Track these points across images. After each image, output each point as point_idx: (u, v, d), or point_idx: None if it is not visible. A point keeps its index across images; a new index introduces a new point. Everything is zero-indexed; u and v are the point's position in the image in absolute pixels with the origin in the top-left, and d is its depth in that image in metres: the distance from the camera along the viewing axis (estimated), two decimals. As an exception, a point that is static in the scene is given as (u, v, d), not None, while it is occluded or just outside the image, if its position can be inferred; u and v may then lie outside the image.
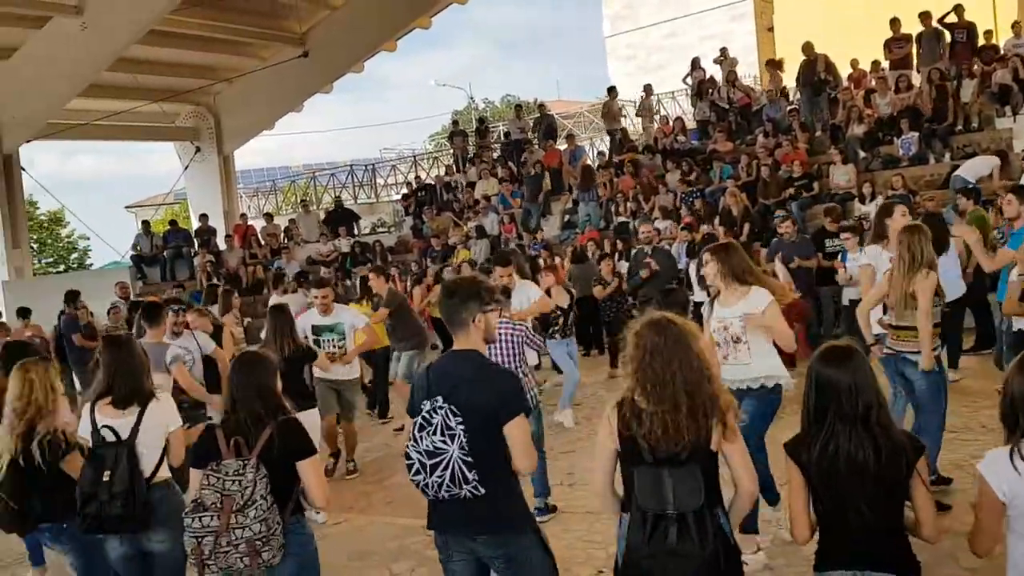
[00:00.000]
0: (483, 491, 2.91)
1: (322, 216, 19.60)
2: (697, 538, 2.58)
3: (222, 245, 17.59)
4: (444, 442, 2.92)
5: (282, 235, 18.51)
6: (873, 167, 13.44)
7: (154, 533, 3.69)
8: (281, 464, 3.21)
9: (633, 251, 11.37)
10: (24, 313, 12.23)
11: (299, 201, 22.32)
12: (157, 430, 3.78)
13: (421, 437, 2.96)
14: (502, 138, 21.21)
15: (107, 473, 3.58)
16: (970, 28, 14.54)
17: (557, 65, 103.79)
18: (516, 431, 2.98)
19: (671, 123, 17.69)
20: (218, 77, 19.29)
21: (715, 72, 17.72)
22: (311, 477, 3.27)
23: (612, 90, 18.58)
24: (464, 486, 2.91)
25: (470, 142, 20.72)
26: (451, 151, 21.76)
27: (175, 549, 3.60)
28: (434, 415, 2.96)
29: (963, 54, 14.46)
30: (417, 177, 21.86)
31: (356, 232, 18.56)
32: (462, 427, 2.91)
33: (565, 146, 18.19)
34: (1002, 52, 14.35)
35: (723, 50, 17.61)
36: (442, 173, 21.15)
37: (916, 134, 13.39)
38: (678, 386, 2.64)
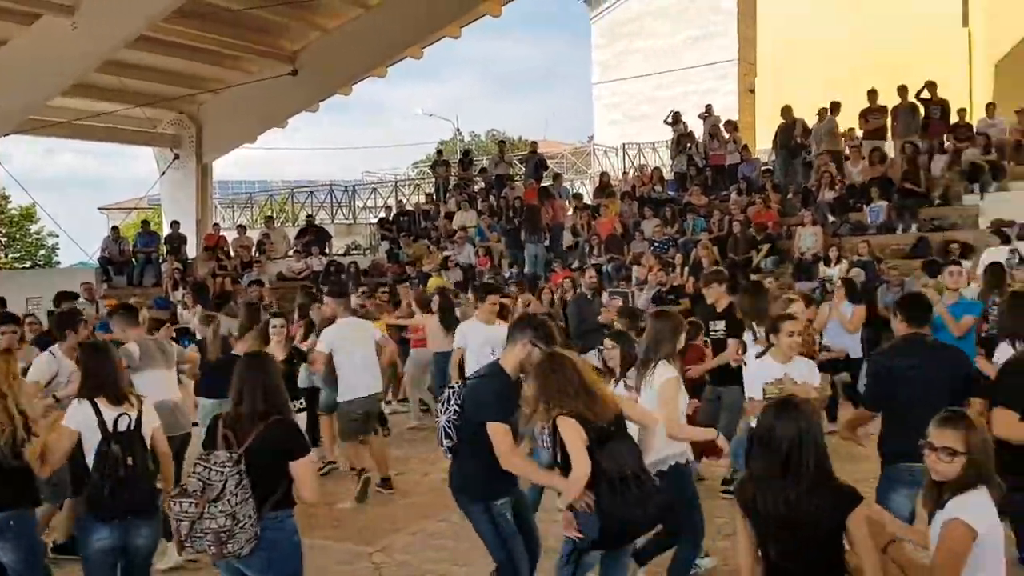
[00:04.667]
0: (449, 456, 4.05)
1: (291, 232, 19.58)
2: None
3: (191, 253, 17.46)
4: (440, 410, 4.15)
5: (254, 248, 18.44)
6: (841, 232, 13.76)
7: (145, 526, 3.85)
8: (268, 461, 3.43)
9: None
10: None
11: (264, 216, 22.20)
12: (148, 427, 4.00)
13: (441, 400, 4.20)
14: (487, 171, 21.43)
15: (130, 458, 3.80)
16: (944, 105, 15.03)
17: (544, 106, 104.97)
18: (490, 433, 3.74)
19: (650, 172, 18.01)
20: (204, 87, 19.28)
21: (696, 127, 18.10)
22: (302, 476, 3.52)
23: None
24: (440, 445, 4.10)
25: (453, 173, 20.88)
26: (433, 180, 21.90)
27: (151, 545, 3.90)
28: (446, 390, 4.14)
29: (936, 129, 14.94)
30: (398, 202, 21.92)
31: (329, 251, 18.53)
32: (456, 407, 3.98)
33: (550, 183, 18.45)
34: (975, 131, 14.84)
35: (708, 107, 17.99)
36: (422, 200, 21.27)
37: (885, 203, 13.75)
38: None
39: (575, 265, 15.09)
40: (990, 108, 15.66)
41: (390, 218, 19.93)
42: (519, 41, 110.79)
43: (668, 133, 18.65)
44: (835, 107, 15.66)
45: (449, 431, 4.01)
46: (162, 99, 18.59)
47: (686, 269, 13.29)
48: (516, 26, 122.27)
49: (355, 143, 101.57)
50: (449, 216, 18.24)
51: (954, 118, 15.24)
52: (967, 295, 7.63)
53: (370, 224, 22.60)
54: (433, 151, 31.05)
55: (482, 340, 6.64)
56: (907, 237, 13.22)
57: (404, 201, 22.13)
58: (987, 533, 2.71)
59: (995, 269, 8.51)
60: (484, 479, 3.89)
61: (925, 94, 15.03)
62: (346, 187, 25.14)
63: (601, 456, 3.44)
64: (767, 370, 4.76)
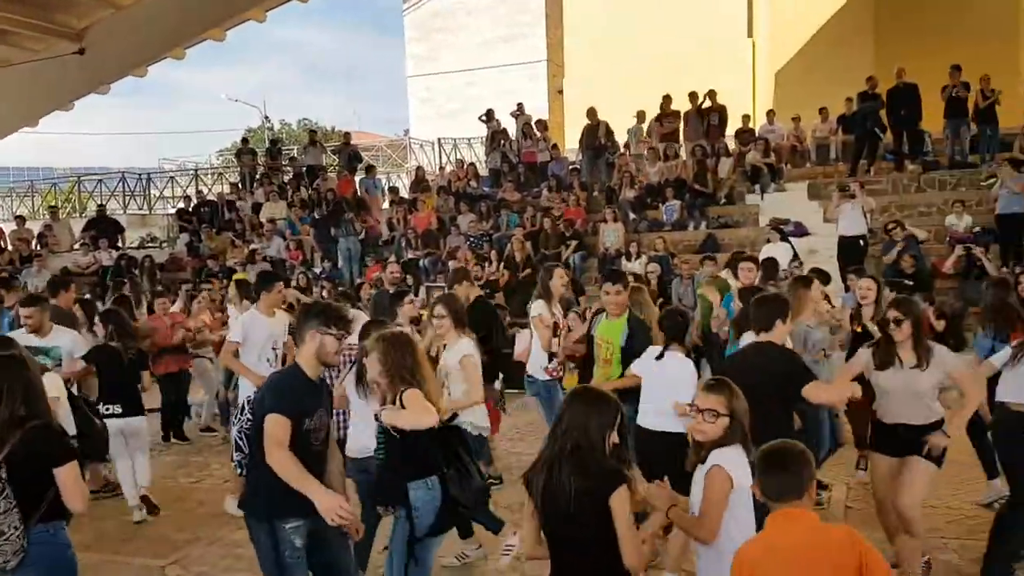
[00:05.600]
0: (239, 472, 3.69)
1: (78, 224, 18.03)
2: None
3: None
4: (232, 421, 3.82)
5: (35, 241, 16.81)
6: (640, 229, 14.58)
7: None
8: (30, 469, 3.15)
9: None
10: None
11: (48, 206, 20.33)
12: None
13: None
14: (295, 160, 20.74)
15: None
16: (722, 111, 16.27)
17: (358, 97, 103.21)
18: (267, 423, 3.37)
19: (466, 168, 18.22)
20: (-24, 64, 17.28)
21: (510, 124, 18.49)
22: (66, 484, 3.22)
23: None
24: (232, 460, 3.80)
25: (260, 162, 20.05)
26: (238, 168, 20.92)
27: None
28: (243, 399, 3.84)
29: (716, 134, 16.18)
30: (198, 192, 20.72)
31: (121, 244, 17.25)
32: (249, 415, 3.61)
33: (362, 176, 18.16)
34: (757, 135, 16.21)
35: (520, 105, 18.42)
36: (226, 190, 20.26)
37: (679, 202, 14.73)
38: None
39: (391, 259, 14.97)
40: (770, 115, 17.19)
41: (190, 209, 18.82)
42: (332, 30, 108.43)
43: (483, 129, 18.93)
44: (641, 115, 16.93)
45: (240, 442, 3.67)
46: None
47: (501, 263, 13.60)
48: (328, 14, 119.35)
49: (152, 128, 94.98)
50: (256, 207, 17.52)
51: (739, 124, 16.56)
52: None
53: (168, 215, 21.26)
54: (239, 139, 29.63)
55: (266, 335, 6.08)
56: (697, 234, 14.24)
57: (206, 191, 20.98)
58: (741, 486, 3.06)
59: (769, 263, 9.38)
60: (271, 495, 3.38)
61: (707, 102, 16.23)
62: (140, 175, 23.44)
63: (440, 441, 3.48)
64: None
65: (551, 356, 5.91)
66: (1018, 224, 11.49)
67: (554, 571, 2.96)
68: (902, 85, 13.95)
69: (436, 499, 3.47)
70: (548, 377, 6.00)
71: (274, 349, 6.08)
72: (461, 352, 4.89)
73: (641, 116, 17.08)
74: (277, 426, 3.35)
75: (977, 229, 12.08)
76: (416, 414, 3.42)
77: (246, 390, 6.09)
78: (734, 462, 3.09)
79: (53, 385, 4.47)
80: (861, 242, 11.83)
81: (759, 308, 4.46)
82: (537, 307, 6.07)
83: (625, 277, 5.61)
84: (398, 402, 3.49)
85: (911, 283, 10.10)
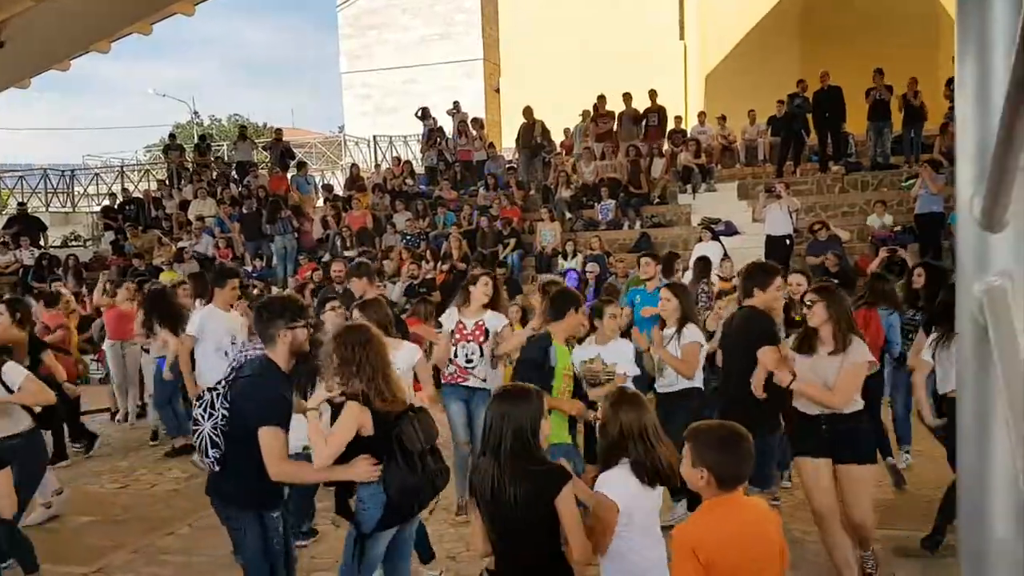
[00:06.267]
0: (218, 468, 3.56)
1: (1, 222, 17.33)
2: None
3: None
4: (202, 416, 3.56)
5: (-52, 240, 16.10)
6: (576, 228, 14.72)
7: None
8: None
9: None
10: None
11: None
12: None
13: (196, 405, 3.66)
14: (225, 157, 20.30)
15: None
16: (660, 112, 16.55)
17: (292, 94, 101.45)
18: (263, 437, 3.38)
19: (401, 166, 18.09)
20: None
21: (446, 122, 18.44)
22: None
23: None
24: (205, 458, 3.60)
25: (188, 158, 19.55)
26: (165, 165, 20.38)
27: None
28: (207, 393, 3.61)
29: (655, 135, 16.43)
30: (124, 189, 20.11)
31: (43, 243, 16.63)
32: (224, 411, 3.52)
33: (294, 172, 17.86)
34: (688, 136, 16.51)
35: (456, 103, 18.38)
36: (153, 188, 19.71)
37: (613, 202, 14.91)
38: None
39: (325, 258, 14.78)
40: (701, 116, 17.53)
41: (115, 206, 18.26)
42: (264, 25, 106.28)
43: (419, 127, 18.82)
44: (586, 115, 17.00)
45: (216, 439, 3.59)
46: None
47: (438, 262, 13.54)
48: (259, 9, 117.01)
49: (76, 124, 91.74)
50: (184, 205, 17.09)
51: (672, 125, 16.84)
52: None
53: (92, 213, 20.58)
54: (167, 135, 28.84)
55: (223, 329, 6.19)
56: (632, 233, 14.43)
57: (132, 188, 20.39)
58: (627, 509, 3.04)
59: (702, 262, 9.63)
60: (258, 488, 3.53)
61: (647, 102, 16.48)
62: (63, 172, 22.63)
63: (396, 433, 3.45)
64: (585, 350, 5.17)
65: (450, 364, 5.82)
66: (936, 224, 11.96)
67: (500, 568, 2.95)
68: (827, 88, 14.40)
69: (381, 493, 3.46)
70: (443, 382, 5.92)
71: (232, 343, 6.07)
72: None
73: (587, 115, 17.20)
74: (275, 440, 3.42)
75: (897, 228, 12.53)
76: (323, 443, 3.43)
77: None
78: (616, 484, 3.03)
79: None
80: (787, 241, 12.16)
81: (743, 279, 5.01)
82: (449, 315, 5.96)
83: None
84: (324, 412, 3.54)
85: (836, 281, 10.46)
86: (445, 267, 13.45)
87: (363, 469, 3.43)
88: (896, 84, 14.28)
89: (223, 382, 3.62)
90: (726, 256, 11.37)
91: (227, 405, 3.54)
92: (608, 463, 3.08)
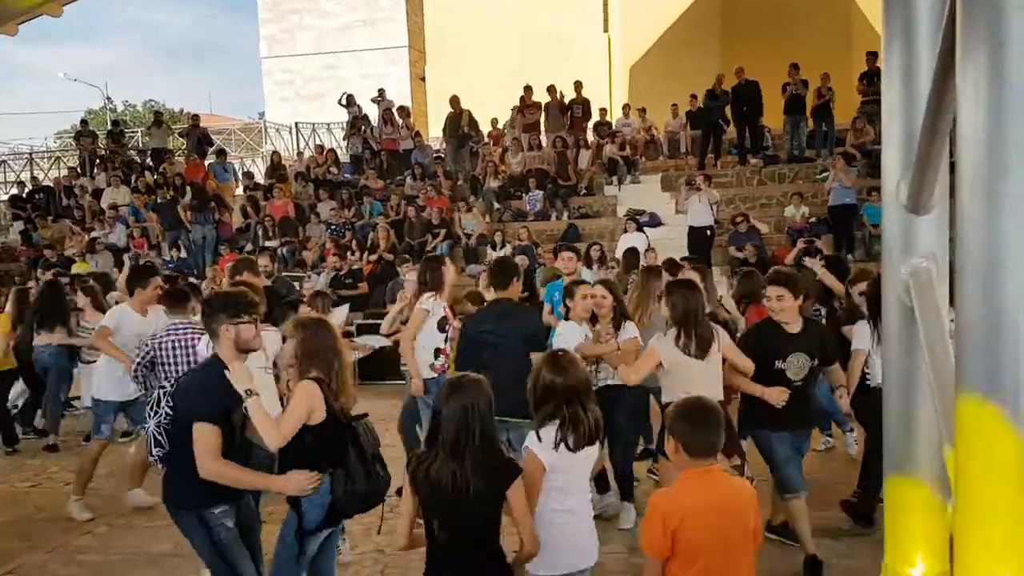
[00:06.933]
0: (161, 467, 3.62)
1: None
2: None
3: None
4: (148, 415, 3.68)
5: None
6: (505, 218, 14.74)
7: None
8: None
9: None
10: None
11: None
12: None
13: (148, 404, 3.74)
14: (139, 145, 19.60)
15: None
16: (585, 104, 16.70)
17: (210, 78, 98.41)
18: (195, 433, 3.31)
19: (325, 154, 17.77)
20: None
21: (371, 110, 18.18)
22: None
23: None
24: (150, 456, 3.72)
25: (101, 145, 18.80)
26: (77, 153, 19.55)
27: None
28: (155, 392, 3.73)
29: (579, 125, 16.57)
30: (33, 177, 19.23)
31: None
32: (168, 409, 3.58)
33: (212, 160, 17.34)
34: (613, 129, 16.70)
35: (381, 91, 18.14)
36: (64, 175, 18.89)
37: (541, 192, 14.99)
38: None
39: (247, 249, 14.42)
40: (625, 108, 17.76)
41: (24, 195, 17.45)
42: (181, 8, 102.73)
43: (343, 114, 18.51)
44: (515, 109, 16.94)
45: (159, 437, 3.57)
46: None
47: (364, 252, 13.38)
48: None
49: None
50: (97, 193, 16.43)
51: (596, 116, 17.00)
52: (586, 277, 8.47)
53: (-1, 202, 19.62)
54: (78, 121, 27.66)
55: (132, 333, 5.78)
56: (559, 224, 14.54)
57: (42, 176, 19.50)
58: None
59: (630, 254, 9.77)
60: (197, 485, 3.42)
61: (572, 93, 16.60)
62: (-33, 158, 21.51)
63: (351, 433, 3.41)
64: (574, 332, 5.12)
65: (437, 352, 5.63)
66: (849, 215, 12.42)
67: (436, 560, 2.92)
68: (744, 82, 14.78)
69: (324, 495, 3.41)
70: (435, 374, 5.65)
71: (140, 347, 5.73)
72: None
73: (515, 110, 17.10)
74: (206, 435, 3.31)
75: (812, 219, 12.97)
76: (273, 424, 3.35)
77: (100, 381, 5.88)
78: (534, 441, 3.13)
79: None
80: (708, 232, 12.45)
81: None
82: (426, 301, 5.64)
83: None
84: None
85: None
86: (373, 257, 13.31)
87: (297, 482, 3.34)
88: (811, 79, 14.76)
89: (173, 381, 3.62)
90: (650, 247, 11.57)
91: (170, 403, 3.53)
92: (540, 424, 3.14)
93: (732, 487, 2.81)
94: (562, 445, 3.06)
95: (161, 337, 5.08)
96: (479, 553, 2.88)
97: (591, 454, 3.20)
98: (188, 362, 4.91)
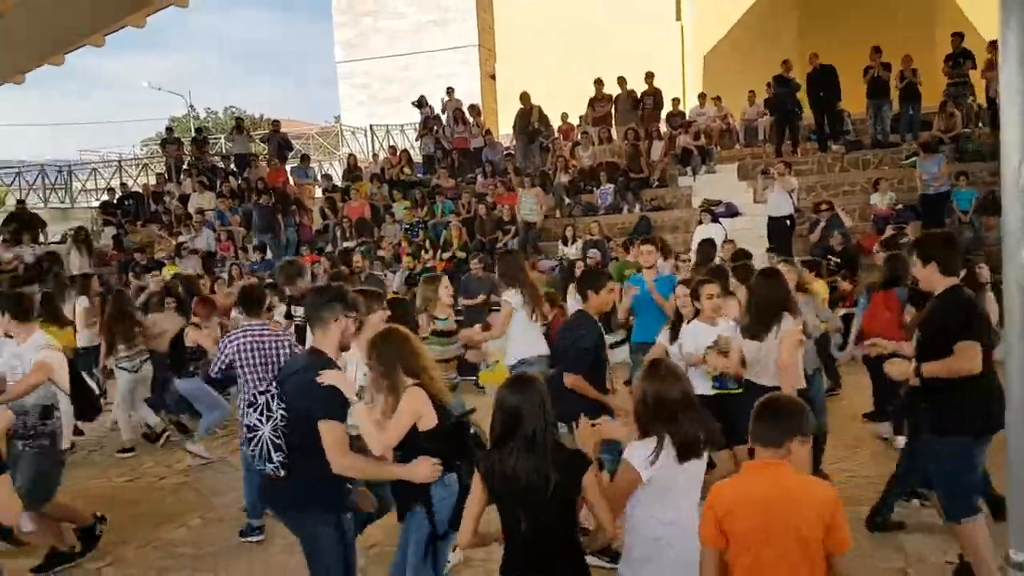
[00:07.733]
0: (283, 473, 3.32)
1: (-1, 219, 17.27)
2: None
3: None
4: (259, 421, 3.35)
5: (-54, 238, 16.02)
6: (575, 213, 14.67)
7: None
8: None
9: None
10: None
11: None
12: None
13: (247, 412, 3.39)
14: (222, 150, 20.23)
15: None
16: (656, 95, 16.46)
17: (287, 84, 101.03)
18: (323, 431, 3.23)
19: (399, 154, 18.02)
20: None
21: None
22: None
23: None
24: (268, 464, 3.33)
25: (186, 151, 19.49)
26: (163, 159, 20.32)
27: None
28: (260, 396, 3.37)
29: (651, 117, 16.35)
30: (122, 184, 20.05)
31: (43, 240, 16.59)
32: (282, 411, 3.34)
33: (294, 165, 17.80)
34: (687, 119, 16.42)
35: (449, 90, 18.28)
36: (151, 182, 19.66)
37: (612, 186, 14.85)
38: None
39: (327, 249, 14.75)
40: (700, 97, 17.45)
41: (114, 201, 18.21)
42: (258, 15, 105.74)
43: (415, 115, 18.73)
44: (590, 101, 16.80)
45: (278, 442, 3.33)
46: None
47: (438, 251, 13.52)
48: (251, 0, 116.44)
49: (71, 119, 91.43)
50: (184, 198, 17.03)
51: (669, 107, 16.75)
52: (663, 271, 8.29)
53: (91, 208, 20.52)
54: (163, 128, 28.75)
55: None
56: (631, 217, 14.38)
57: (130, 183, 20.33)
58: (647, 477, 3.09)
59: (705, 246, 9.54)
60: (334, 489, 3.36)
61: (643, 85, 16.39)
62: (61, 168, 22.57)
63: (448, 437, 3.43)
64: (702, 333, 5.04)
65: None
66: (940, 204, 11.92)
67: (512, 552, 2.94)
68: (819, 68, 14.32)
69: (453, 495, 3.42)
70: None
71: None
72: None
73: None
74: (335, 431, 3.26)
75: (899, 206, 12.49)
76: (377, 434, 3.36)
77: None
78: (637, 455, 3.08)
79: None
80: (788, 222, 12.12)
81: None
82: (511, 296, 5.90)
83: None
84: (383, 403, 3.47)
85: (839, 260, 10.45)
86: (446, 256, 13.44)
87: (425, 469, 3.32)
88: (893, 62, 14.21)
89: (273, 383, 3.45)
90: (728, 239, 11.33)
91: (283, 406, 3.35)
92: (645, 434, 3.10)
93: (793, 484, 2.66)
94: (663, 456, 3.01)
95: (238, 338, 5.05)
96: (558, 545, 2.89)
97: (698, 466, 3.12)
98: (268, 363, 4.92)
